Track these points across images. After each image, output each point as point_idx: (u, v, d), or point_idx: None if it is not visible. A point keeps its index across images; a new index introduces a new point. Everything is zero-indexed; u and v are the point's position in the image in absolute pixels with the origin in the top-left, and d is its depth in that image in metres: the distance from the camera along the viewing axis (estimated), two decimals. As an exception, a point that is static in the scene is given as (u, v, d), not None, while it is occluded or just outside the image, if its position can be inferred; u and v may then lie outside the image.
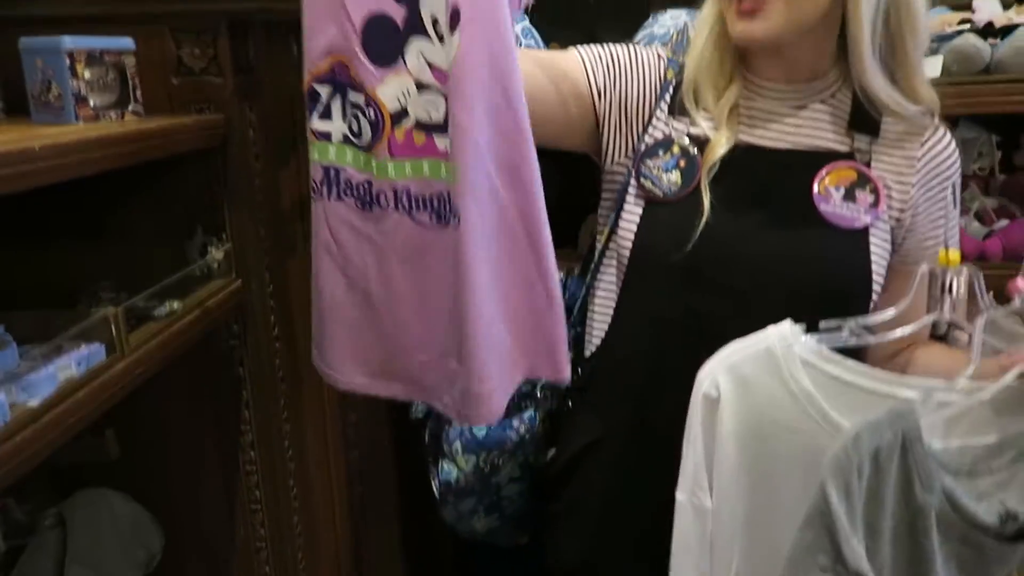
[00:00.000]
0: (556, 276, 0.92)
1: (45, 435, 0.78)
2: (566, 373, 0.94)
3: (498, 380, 0.90)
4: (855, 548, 0.67)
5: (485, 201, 0.86)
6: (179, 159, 1.16)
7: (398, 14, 0.84)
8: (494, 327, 0.89)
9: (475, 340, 0.88)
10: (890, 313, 0.81)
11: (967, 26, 1.33)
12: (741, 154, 0.95)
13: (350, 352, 1.00)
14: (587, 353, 1.07)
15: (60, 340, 0.86)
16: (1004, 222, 1.38)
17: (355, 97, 0.91)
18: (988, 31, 1.31)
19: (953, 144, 0.99)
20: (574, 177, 1.46)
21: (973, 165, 1.50)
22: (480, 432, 1.11)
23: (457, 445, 1.12)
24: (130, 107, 1.06)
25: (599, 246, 1.05)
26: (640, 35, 1.43)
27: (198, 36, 1.19)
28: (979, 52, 1.27)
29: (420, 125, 0.87)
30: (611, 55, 1.01)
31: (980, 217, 1.40)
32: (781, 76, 0.97)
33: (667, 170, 0.96)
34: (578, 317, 1.09)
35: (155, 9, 1.18)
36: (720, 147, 0.94)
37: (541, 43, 1.42)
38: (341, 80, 0.92)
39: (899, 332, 0.80)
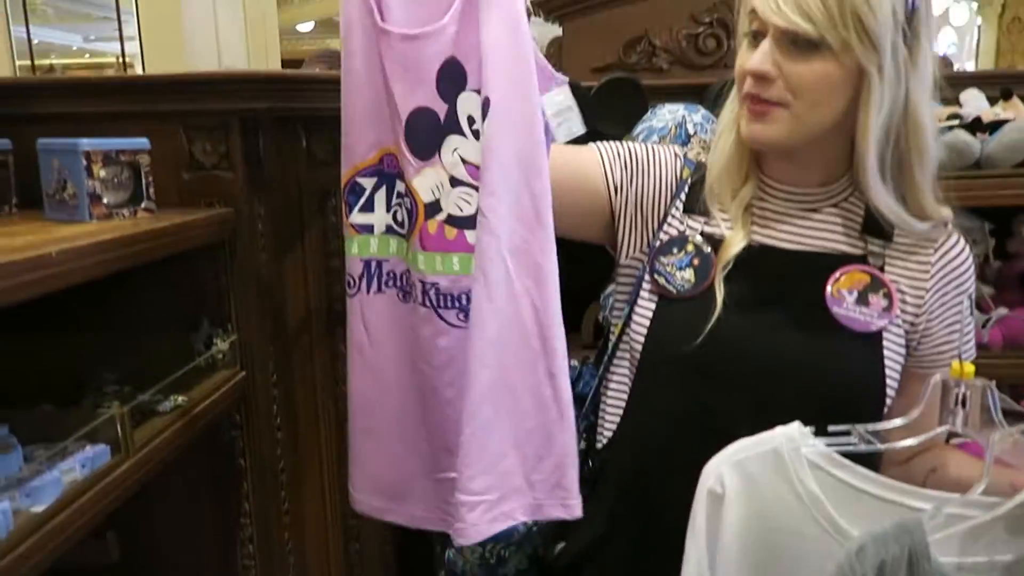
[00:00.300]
0: (568, 390, 0.92)
1: (49, 542, 0.77)
2: (577, 510, 0.94)
3: (488, 494, 0.89)
4: None
5: (499, 295, 0.87)
6: (188, 251, 1.17)
7: (441, 110, 0.88)
8: (493, 434, 0.88)
9: (466, 441, 0.87)
10: (899, 421, 0.81)
11: (956, 121, 1.37)
12: (755, 254, 0.96)
13: (371, 468, 0.98)
14: (599, 445, 1.07)
15: (66, 443, 0.86)
16: (1003, 310, 1.40)
17: (401, 187, 0.94)
18: (976, 126, 1.35)
19: (967, 252, 0.99)
20: (579, 264, 1.48)
21: (968, 253, 1.52)
22: None
23: None
24: (143, 204, 1.08)
25: (612, 338, 1.05)
26: (639, 128, 1.47)
27: (211, 132, 1.22)
28: (969, 147, 1.30)
29: (452, 219, 0.89)
30: (629, 153, 1.03)
31: (978, 304, 1.41)
32: (794, 179, 0.98)
33: (681, 268, 0.97)
34: (590, 407, 1.09)
35: (169, 108, 1.21)
36: (734, 246, 0.95)
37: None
38: (390, 171, 0.94)
39: (908, 442, 0.79)
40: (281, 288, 1.34)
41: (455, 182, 0.88)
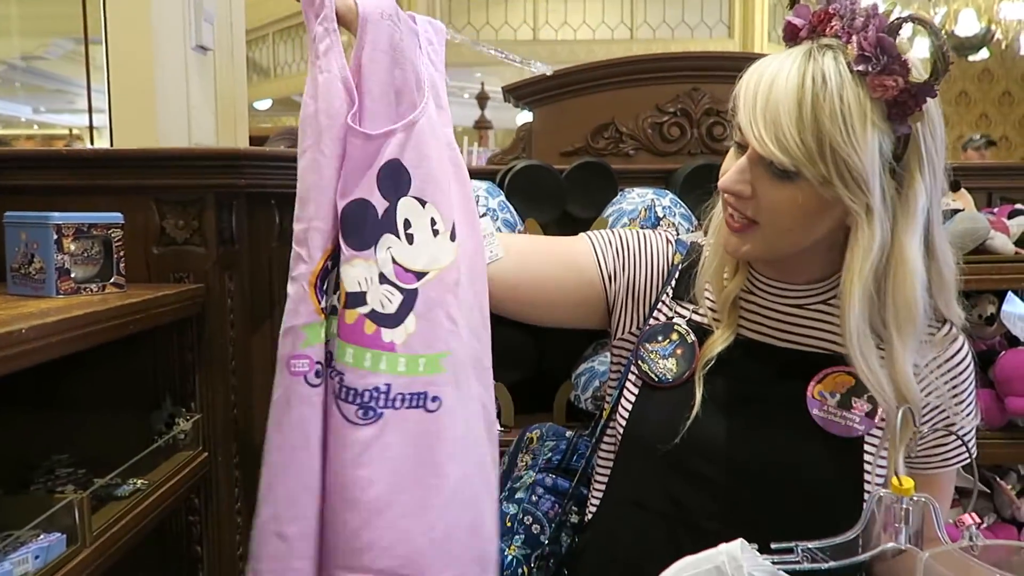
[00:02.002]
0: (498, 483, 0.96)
1: (-5, 643, 0.71)
2: None
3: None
4: None
5: (464, 397, 0.91)
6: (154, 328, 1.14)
7: (380, 205, 0.89)
8: (459, 532, 0.89)
9: (435, 543, 0.89)
10: (841, 539, 0.78)
11: (909, 210, 1.44)
12: (739, 347, 0.95)
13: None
14: (588, 518, 1.05)
15: (18, 532, 0.80)
16: (961, 391, 1.44)
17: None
18: (929, 215, 1.42)
19: (964, 352, 0.94)
20: (551, 347, 1.49)
21: (925, 336, 1.58)
22: None
23: None
24: (112, 279, 1.05)
25: (603, 416, 1.05)
26: (610, 211, 1.51)
27: (184, 208, 1.21)
28: (924, 235, 1.36)
29: (374, 314, 0.89)
30: (621, 241, 1.03)
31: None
32: (782, 276, 0.96)
33: (664, 356, 0.97)
34: (582, 480, 1.07)
35: (142, 182, 1.20)
36: (718, 345, 0.94)
37: (517, 218, 1.48)
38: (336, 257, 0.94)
39: (851, 560, 0.77)
40: (248, 365, 1.31)
41: (383, 279, 0.89)
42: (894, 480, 0.76)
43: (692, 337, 0.96)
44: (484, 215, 1.34)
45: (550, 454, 1.15)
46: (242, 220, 1.28)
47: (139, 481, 1.04)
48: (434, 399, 0.89)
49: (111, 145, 1.98)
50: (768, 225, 0.87)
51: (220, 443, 1.24)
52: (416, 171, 0.90)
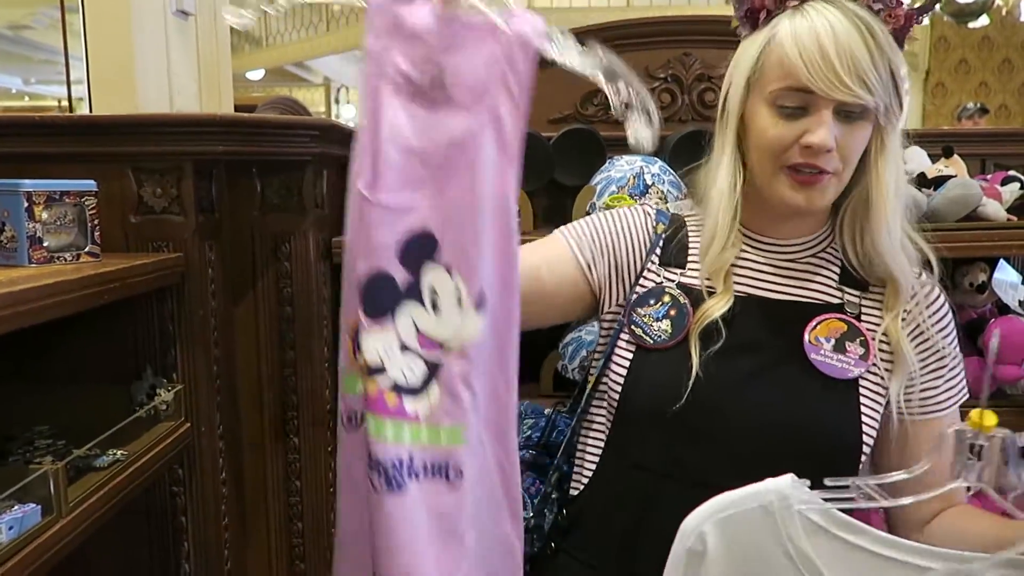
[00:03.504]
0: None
1: (-34, 615, 0.71)
2: None
3: None
4: None
5: (480, 462, 0.85)
6: (132, 298, 1.12)
7: (400, 276, 0.80)
8: None
9: None
10: (900, 475, 0.75)
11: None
12: (738, 308, 0.95)
13: None
14: (573, 492, 1.04)
15: (-8, 502, 0.79)
16: (950, 360, 1.43)
17: None
18: (922, 182, 1.40)
19: (943, 299, 0.99)
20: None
21: (916, 304, 1.57)
22: None
23: None
24: (86, 248, 1.03)
25: (588, 387, 1.04)
26: (598, 178, 1.49)
27: (161, 176, 1.18)
28: (918, 202, 1.34)
29: (396, 387, 0.84)
30: (594, 229, 1.03)
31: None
32: (780, 234, 0.99)
33: (657, 318, 0.96)
34: (563, 457, 1.06)
35: (119, 149, 1.17)
36: (716, 309, 0.94)
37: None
38: None
39: (917, 498, 0.73)
40: (231, 335, 1.30)
41: (405, 348, 0.83)
42: (975, 413, 0.71)
43: (684, 299, 0.96)
44: None
45: (529, 431, 1.14)
46: (222, 188, 1.26)
47: (119, 452, 1.04)
48: (457, 472, 0.83)
49: (90, 113, 1.95)
50: (843, 171, 0.91)
51: (203, 414, 1.23)
52: (445, 238, 0.80)
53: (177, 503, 1.22)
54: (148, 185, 1.19)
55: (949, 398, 0.97)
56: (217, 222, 1.26)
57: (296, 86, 11.02)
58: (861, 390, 0.93)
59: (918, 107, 7.31)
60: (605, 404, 1.01)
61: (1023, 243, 1.39)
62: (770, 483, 0.71)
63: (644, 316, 0.97)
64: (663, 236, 1.01)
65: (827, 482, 0.73)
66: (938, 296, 0.99)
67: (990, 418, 0.71)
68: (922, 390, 0.97)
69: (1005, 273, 1.55)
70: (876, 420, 0.94)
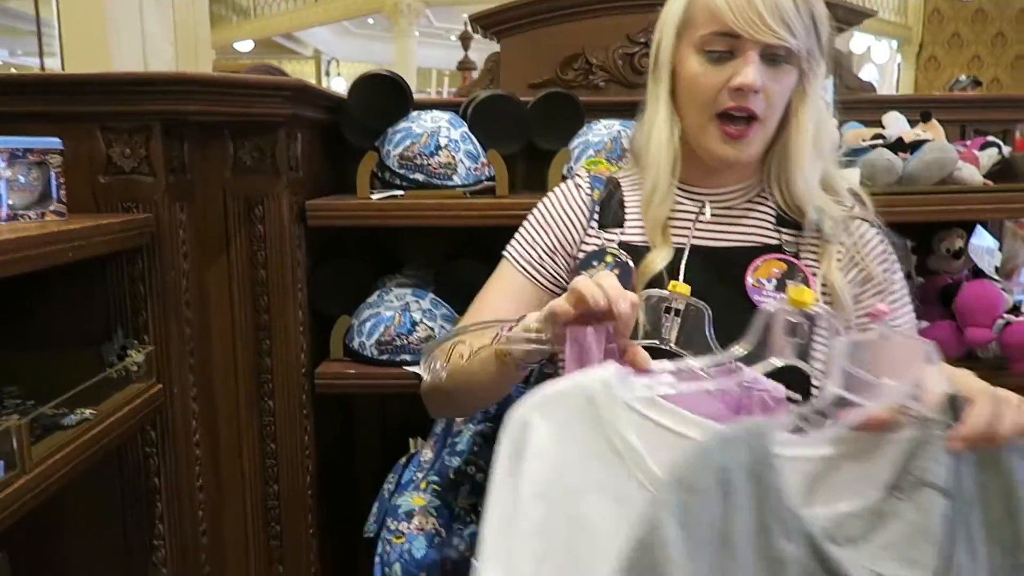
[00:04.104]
0: None
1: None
2: None
3: None
4: None
5: None
6: (100, 258, 1.12)
7: None
8: None
9: None
10: (735, 350, 0.73)
11: (880, 141, 1.42)
12: (676, 258, 0.97)
13: None
14: None
15: (-47, 456, 0.79)
16: (924, 324, 1.43)
17: None
18: (899, 146, 1.40)
19: (874, 232, 1.01)
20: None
21: (892, 269, 1.57)
22: (419, 552, 1.05)
23: (396, 568, 1.06)
24: (51, 207, 1.02)
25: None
26: (576, 142, 1.48)
27: (130, 136, 1.17)
28: (892, 165, 1.34)
29: None
30: (535, 234, 1.04)
31: (902, 319, 1.45)
32: (715, 183, 1.01)
33: None
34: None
35: (87, 109, 1.16)
36: (658, 262, 0.95)
37: (480, 149, 1.44)
38: None
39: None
40: (204, 298, 1.29)
41: None
42: (790, 290, 0.72)
43: (626, 256, 0.98)
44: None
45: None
46: (194, 149, 1.25)
47: (87, 411, 1.03)
48: None
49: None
50: (769, 118, 0.93)
51: (175, 376, 1.23)
52: None
53: (150, 464, 1.23)
54: (117, 145, 1.17)
55: (898, 321, 0.99)
56: (188, 183, 1.25)
57: (286, 58, 10.90)
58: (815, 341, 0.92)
59: (911, 81, 7.28)
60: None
61: (997, 208, 1.40)
62: (595, 372, 0.67)
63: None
64: (599, 202, 1.03)
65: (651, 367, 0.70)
66: (868, 229, 1.01)
67: (807, 295, 0.71)
68: (862, 307, 0.99)
69: (981, 239, 1.56)
70: (823, 352, 0.94)
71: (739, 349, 0.72)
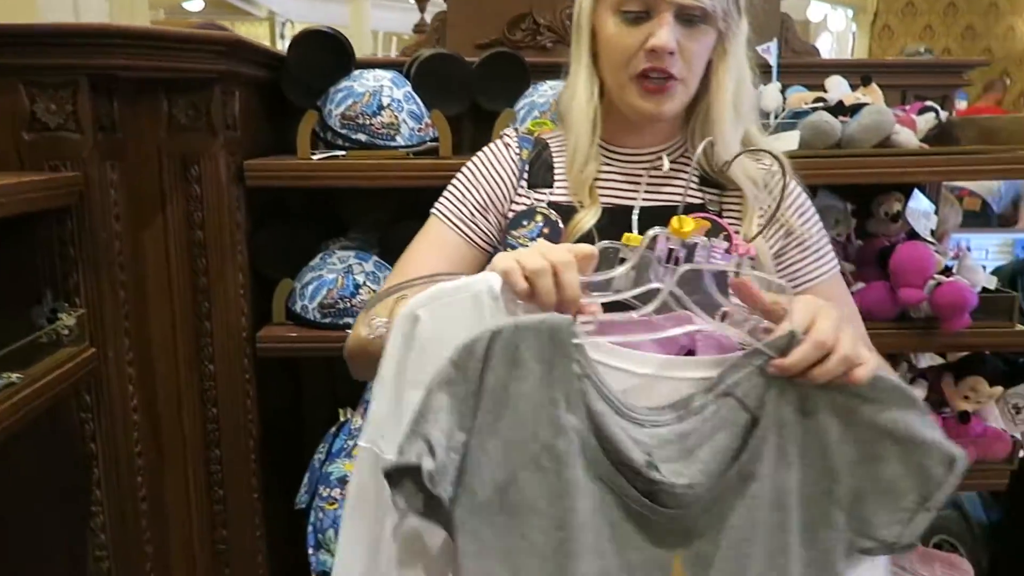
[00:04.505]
0: None
1: None
2: None
3: None
4: (442, 419, 0.64)
5: None
6: (27, 219, 1.08)
7: None
8: None
9: None
10: (620, 271, 0.76)
11: (821, 104, 1.43)
12: (605, 219, 0.98)
13: None
14: None
15: None
16: (860, 284, 1.47)
17: None
18: (839, 109, 1.42)
19: (793, 185, 1.02)
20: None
21: (831, 232, 1.60)
22: None
23: (331, 534, 1.06)
24: (-31, 163, 0.98)
25: None
26: (521, 103, 1.47)
27: (55, 91, 1.13)
28: (831, 128, 1.36)
29: None
30: (464, 191, 1.04)
31: (840, 281, 1.48)
32: (639, 143, 1.02)
33: (532, 238, 0.98)
34: None
35: (8, 61, 1.11)
36: (587, 221, 0.96)
37: (424, 109, 1.42)
38: None
39: (621, 295, 0.74)
40: (139, 260, 1.26)
41: None
42: (674, 220, 0.74)
43: (555, 215, 0.98)
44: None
45: None
46: (124, 106, 1.21)
47: (13, 376, 1.01)
48: None
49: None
50: (688, 77, 0.94)
51: (109, 340, 1.20)
52: None
53: (86, 430, 1.20)
54: (41, 100, 1.13)
55: (815, 269, 1.02)
56: (120, 141, 1.21)
57: (239, 20, 10.58)
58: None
59: (865, 49, 7.37)
60: None
61: (932, 171, 1.43)
62: (481, 276, 0.73)
63: (519, 237, 0.99)
64: (528, 161, 1.04)
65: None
66: (788, 182, 1.00)
67: (688, 223, 0.74)
68: (790, 266, 1.01)
69: (918, 202, 1.59)
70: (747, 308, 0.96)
71: (623, 269, 0.75)
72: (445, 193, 1.06)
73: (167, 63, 1.20)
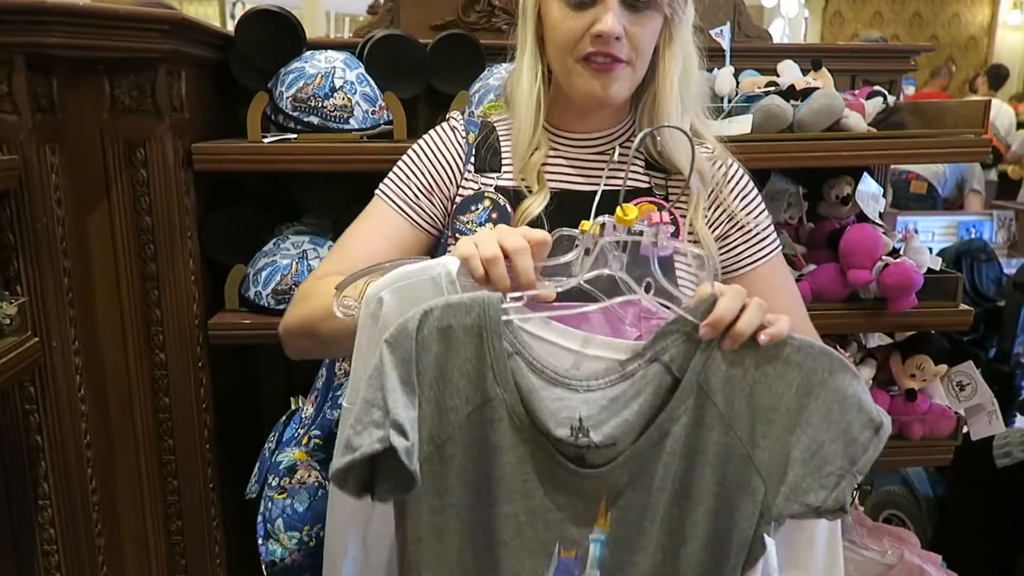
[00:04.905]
0: None
1: None
2: None
3: None
4: (399, 399, 0.68)
5: None
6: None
7: None
8: None
9: None
10: (568, 257, 0.80)
11: (773, 88, 1.45)
12: (554, 204, 0.98)
13: None
14: None
15: None
16: (812, 267, 1.50)
17: None
18: (791, 93, 1.43)
19: (735, 169, 1.05)
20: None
21: (783, 215, 1.62)
22: (301, 506, 1.05)
23: (279, 523, 1.05)
24: (-102, 146, 0.94)
25: None
26: (476, 86, 1.46)
27: (-12, 70, 1.08)
28: (783, 112, 1.38)
29: None
30: (409, 173, 1.03)
31: (791, 262, 1.50)
32: (586, 127, 1.02)
33: (481, 223, 0.98)
34: None
35: (-63, 39, 1.06)
36: (536, 206, 0.97)
37: (377, 91, 1.40)
38: None
39: (570, 281, 0.78)
40: (83, 247, 1.22)
41: None
42: (618, 210, 0.78)
43: (503, 200, 0.99)
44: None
45: None
46: (64, 87, 1.17)
47: (-49, 366, 0.97)
48: None
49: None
50: (635, 61, 0.94)
51: (53, 329, 1.16)
52: None
53: (31, 421, 1.17)
54: (-26, 80, 1.08)
55: (756, 252, 1.04)
56: (60, 123, 1.17)
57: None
58: (676, 263, 0.96)
59: (817, 34, 7.50)
60: None
61: (880, 154, 1.46)
62: (440, 260, 0.78)
63: (467, 223, 0.99)
64: (474, 145, 1.03)
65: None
66: (731, 166, 1.05)
67: (631, 211, 0.78)
68: (731, 249, 1.03)
69: (868, 185, 1.62)
70: (694, 288, 0.97)
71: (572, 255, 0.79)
72: (390, 175, 1.05)
73: (108, 42, 1.16)
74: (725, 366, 0.75)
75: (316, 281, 0.96)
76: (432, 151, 1.04)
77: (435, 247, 1.05)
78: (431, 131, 1.07)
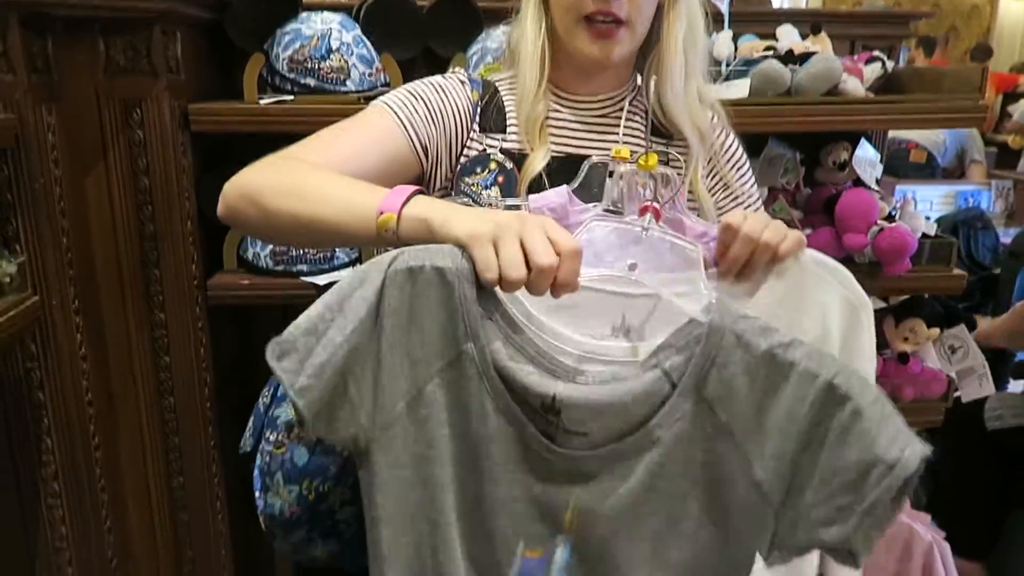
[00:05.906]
0: None
1: None
2: None
3: None
4: (331, 338, 0.68)
5: None
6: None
7: None
8: None
9: None
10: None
11: (771, 53, 1.44)
12: (556, 164, 0.98)
13: None
14: None
15: None
16: (808, 231, 1.50)
17: None
18: (789, 58, 1.43)
19: (732, 138, 1.06)
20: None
21: (781, 180, 1.62)
22: (301, 460, 1.06)
23: (278, 476, 1.06)
24: None
25: None
26: (473, 48, 1.45)
27: (-16, 29, 1.08)
28: (781, 76, 1.37)
29: None
30: (420, 96, 0.98)
31: (788, 227, 1.51)
32: (589, 90, 1.02)
33: (486, 187, 0.96)
34: None
35: (-69, -4, 1.06)
36: (537, 164, 0.96)
37: (374, 53, 1.40)
38: None
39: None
40: (81, 206, 1.23)
41: None
42: (640, 159, 0.84)
43: (509, 164, 0.98)
44: None
45: None
46: (59, 46, 1.17)
47: (-47, 323, 0.99)
48: None
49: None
50: (636, 21, 0.93)
51: (53, 287, 1.18)
52: None
53: (32, 379, 1.18)
54: (-31, 39, 1.08)
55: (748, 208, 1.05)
56: (56, 83, 1.17)
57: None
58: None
59: (818, 0, 7.41)
60: None
61: (878, 119, 1.45)
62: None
63: (472, 185, 0.97)
64: (479, 104, 1.01)
65: None
66: (727, 137, 1.06)
67: (653, 159, 0.86)
68: (721, 213, 1.04)
69: (865, 151, 1.62)
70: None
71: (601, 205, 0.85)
72: (396, 92, 0.98)
73: (102, 1, 1.16)
74: (731, 375, 0.68)
75: (298, 163, 0.87)
76: (447, 92, 0.99)
77: (417, 182, 1.00)
78: (439, 78, 1.02)
